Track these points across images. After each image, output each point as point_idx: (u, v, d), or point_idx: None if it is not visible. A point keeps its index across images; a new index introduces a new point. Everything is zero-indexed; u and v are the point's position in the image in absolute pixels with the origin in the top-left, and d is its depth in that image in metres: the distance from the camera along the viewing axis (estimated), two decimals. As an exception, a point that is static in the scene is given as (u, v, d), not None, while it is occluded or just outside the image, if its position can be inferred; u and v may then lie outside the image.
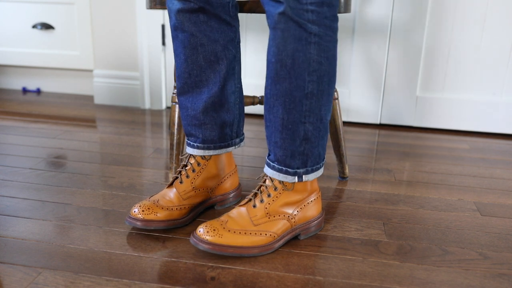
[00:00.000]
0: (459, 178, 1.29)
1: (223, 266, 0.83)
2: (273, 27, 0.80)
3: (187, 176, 0.99)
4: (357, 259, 0.87)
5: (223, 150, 1.01)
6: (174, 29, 0.94)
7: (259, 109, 1.87)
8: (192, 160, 1.00)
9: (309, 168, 0.89)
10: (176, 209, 0.95)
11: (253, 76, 1.83)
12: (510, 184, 1.25)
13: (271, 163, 0.89)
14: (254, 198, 0.90)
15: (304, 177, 0.89)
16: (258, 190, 0.91)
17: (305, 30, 0.78)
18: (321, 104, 0.85)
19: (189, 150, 1.01)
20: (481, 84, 1.69)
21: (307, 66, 0.81)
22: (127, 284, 0.77)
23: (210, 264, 0.84)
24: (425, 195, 1.16)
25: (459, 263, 0.87)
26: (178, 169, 1.01)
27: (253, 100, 1.18)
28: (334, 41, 0.83)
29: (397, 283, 0.80)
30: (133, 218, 0.92)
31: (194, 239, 0.84)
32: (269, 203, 0.89)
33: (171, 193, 0.97)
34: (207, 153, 1.00)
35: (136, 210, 0.92)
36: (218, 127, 0.99)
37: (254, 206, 0.89)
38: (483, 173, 1.32)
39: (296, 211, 0.91)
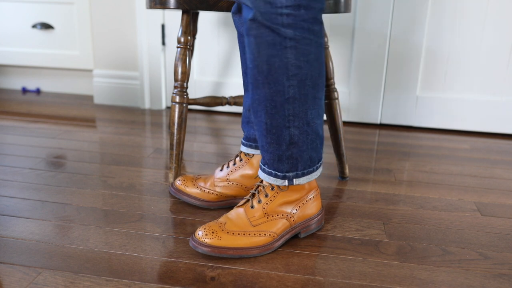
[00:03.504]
0: (459, 178, 1.28)
1: (223, 266, 0.83)
2: (246, 33, 0.79)
3: (227, 167, 1.06)
4: (357, 259, 0.87)
5: None
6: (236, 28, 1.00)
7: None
8: (239, 154, 1.06)
9: (300, 172, 0.88)
10: (206, 191, 1.04)
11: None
12: (511, 184, 1.25)
13: (262, 165, 0.90)
14: (252, 198, 0.90)
15: (295, 181, 0.88)
16: (255, 190, 0.91)
17: (278, 35, 0.77)
18: (307, 108, 0.83)
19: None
20: (481, 84, 1.69)
21: (285, 71, 0.79)
22: (127, 284, 0.77)
23: (210, 264, 0.84)
24: (425, 195, 1.16)
25: (459, 263, 0.86)
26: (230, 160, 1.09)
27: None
28: (316, 44, 0.80)
29: (397, 283, 0.80)
30: (173, 187, 1.06)
31: (193, 242, 0.84)
32: (266, 203, 0.88)
33: (212, 177, 1.06)
34: (249, 150, 1.04)
35: (179, 182, 1.06)
36: None
37: (252, 207, 0.88)
38: (483, 173, 1.32)
39: (294, 210, 0.90)
